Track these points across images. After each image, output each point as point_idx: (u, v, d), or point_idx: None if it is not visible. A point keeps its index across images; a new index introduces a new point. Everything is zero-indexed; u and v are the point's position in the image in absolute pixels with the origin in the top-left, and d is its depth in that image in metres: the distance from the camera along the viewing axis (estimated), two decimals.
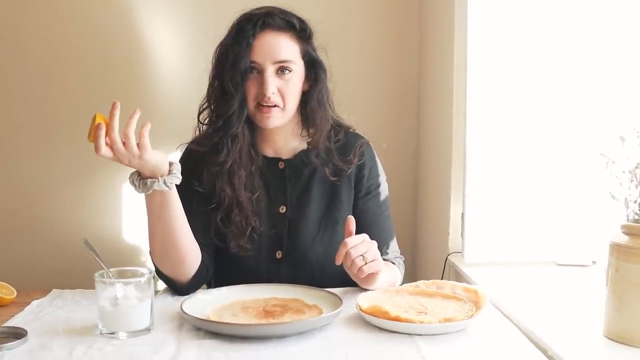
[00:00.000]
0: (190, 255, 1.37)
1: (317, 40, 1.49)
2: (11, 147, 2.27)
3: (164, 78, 2.27)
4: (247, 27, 1.40)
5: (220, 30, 1.45)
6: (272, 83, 1.39)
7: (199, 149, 1.47)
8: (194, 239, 1.38)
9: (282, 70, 1.40)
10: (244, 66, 1.39)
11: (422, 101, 2.30)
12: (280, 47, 1.40)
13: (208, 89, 1.47)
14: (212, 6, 2.19)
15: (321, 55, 1.49)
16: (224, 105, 1.42)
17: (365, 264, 1.27)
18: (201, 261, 1.41)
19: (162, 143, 2.22)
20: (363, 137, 1.56)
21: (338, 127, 1.54)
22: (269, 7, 1.44)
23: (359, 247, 1.27)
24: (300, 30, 1.43)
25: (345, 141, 1.53)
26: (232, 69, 1.40)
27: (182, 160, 1.47)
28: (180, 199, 1.33)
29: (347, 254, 1.26)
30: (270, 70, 1.40)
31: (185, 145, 1.53)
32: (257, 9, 1.43)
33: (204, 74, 1.47)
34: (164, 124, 2.24)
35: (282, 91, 1.41)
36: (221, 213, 1.45)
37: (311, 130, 1.48)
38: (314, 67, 1.46)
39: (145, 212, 1.33)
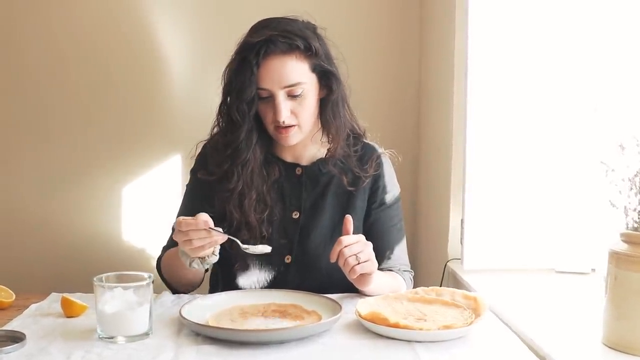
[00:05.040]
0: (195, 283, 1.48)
1: (332, 45, 1.46)
2: (11, 148, 2.27)
3: (168, 78, 2.26)
4: (250, 56, 1.36)
5: (232, 32, 1.43)
6: (285, 108, 1.38)
7: (208, 178, 1.48)
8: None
9: (293, 93, 1.39)
10: (250, 96, 1.38)
11: (422, 107, 2.30)
12: (287, 71, 1.37)
13: (217, 115, 1.47)
14: (224, 7, 2.19)
15: (337, 60, 1.46)
16: (232, 134, 1.43)
17: (358, 263, 1.28)
18: None
19: (170, 143, 2.25)
20: (380, 149, 1.57)
21: (356, 136, 1.54)
22: (269, 31, 1.38)
23: (353, 246, 1.27)
24: (306, 49, 1.39)
25: (363, 152, 1.53)
26: (238, 98, 1.39)
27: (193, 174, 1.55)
28: (189, 209, 1.46)
29: (341, 252, 1.27)
30: (281, 96, 1.38)
31: (203, 143, 1.53)
32: (258, 34, 1.38)
33: (215, 75, 1.46)
34: (169, 125, 2.25)
35: (296, 112, 1.40)
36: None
37: (330, 137, 1.48)
38: (327, 78, 1.43)
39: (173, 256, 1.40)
